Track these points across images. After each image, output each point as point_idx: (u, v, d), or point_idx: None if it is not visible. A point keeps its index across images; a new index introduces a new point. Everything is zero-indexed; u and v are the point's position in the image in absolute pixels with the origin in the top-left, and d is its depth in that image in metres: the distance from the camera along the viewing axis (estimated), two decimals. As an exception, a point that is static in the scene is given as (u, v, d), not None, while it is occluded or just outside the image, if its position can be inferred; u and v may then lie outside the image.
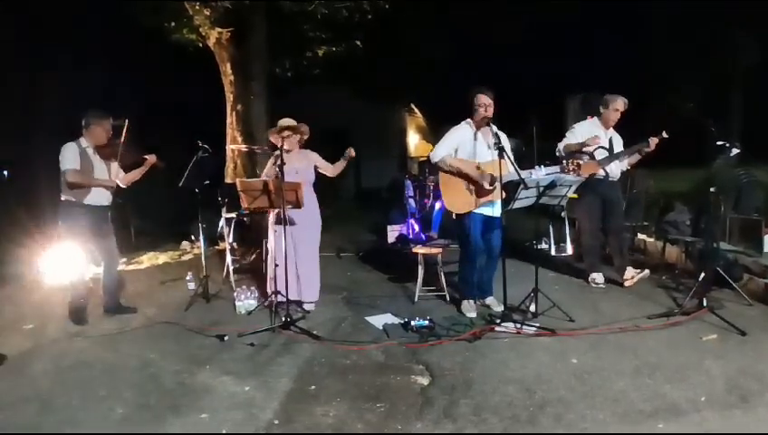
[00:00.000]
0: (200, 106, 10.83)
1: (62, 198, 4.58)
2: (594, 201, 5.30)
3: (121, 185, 4.91)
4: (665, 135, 5.03)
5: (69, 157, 4.49)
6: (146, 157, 4.86)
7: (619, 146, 5.31)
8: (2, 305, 5.32)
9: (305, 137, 4.99)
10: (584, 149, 5.10)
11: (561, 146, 5.35)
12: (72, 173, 4.45)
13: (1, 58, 10.69)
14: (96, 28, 11.34)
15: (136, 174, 4.94)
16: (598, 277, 5.35)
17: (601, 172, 5.19)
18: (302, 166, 4.85)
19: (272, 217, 4.90)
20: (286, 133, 4.79)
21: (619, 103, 5.23)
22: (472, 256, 4.61)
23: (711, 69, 14.84)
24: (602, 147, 5.20)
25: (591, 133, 5.22)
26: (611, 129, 5.35)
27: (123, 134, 4.65)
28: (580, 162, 4.50)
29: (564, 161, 4.54)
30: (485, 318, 4.45)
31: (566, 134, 5.43)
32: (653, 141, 5.08)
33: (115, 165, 4.77)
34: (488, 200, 4.51)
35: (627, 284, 5.18)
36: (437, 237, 7.60)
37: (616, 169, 5.33)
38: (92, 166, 4.60)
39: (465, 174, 4.47)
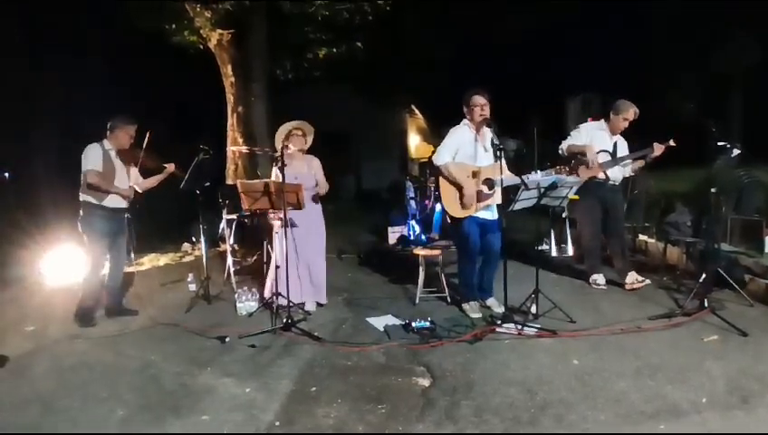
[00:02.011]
0: (201, 108, 10.85)
1: (82, 199, 4.63)
2: (594, 204, 5.27)
3: (138, 190, 5.00)
4: (672, 143, 4.97)
5: (92, 157, 4.56)
6: (165, 165, 4.97)
7: (623, 151, 5.28)
8: (3, 307, 5.32)
9: (309, 143, 4.98)
10: (584, 158, 5.09)
11: (564, 145, 5.32)
12: (93, 174, 4.52)
13: (1, 58, 10.70)
14: (97, 29, 11.35)
15: (153, 181, 5.04)
16: (599, 278, 5.34)
17: (602, 175, 5.16)
18: (304, 172, 4.83)
19: (276, 221, 4.91)
20: (297, 132, 4.80)
21: (630, 114, 5.14)
22: (471, 259, 4.62)
23: (711, 69, 14.83)
24: (605, 150, 5.17)
25: (596, 135, 5.22)
26: (617, 134, 5.29)
27: (146, 142, 4.75)
28: (577, 166, 4.47)
29: (558, 166, 4.60)
30: (486, 319, 4.45)
31: (571, 133, 5.39)
32: (658, 148, 5.03)
33: (134, 170, 4.89)
34: (487, 204, 4.51)
35: (627, 288, 5.16)
36: (438, 239, 7.60)
37: (618, 174, 5.28)
38: (114, 169, 4.68)
39: (460, 187, 4.47)
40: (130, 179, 4.85)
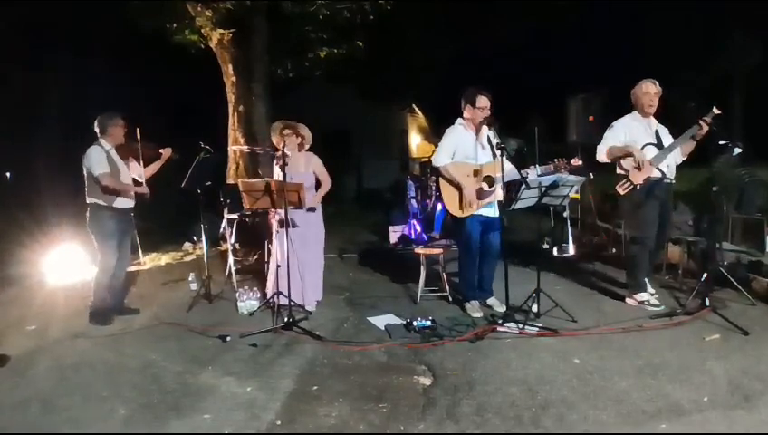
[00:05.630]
0: (202, 107, 10.86)
1: (89, 201, 4.60)
2: (653, 207, 4.53)
3: (140, 180, 4.95)
4: (716, 111, 4.32)
5: (98, 160, 4.51)
6: (161, 151, 4.96)
7: (666, 137, 4.62)
8: (5, 307, 5.32)
9: (307, 142, 4.97)
10: (629, 158, 4.49)
11: (602, 148, 4.64)
12: (106, 177, 4.49)
13: (2, 60, 10.71)
14: (98, 30, 11.37)
15: (153, 168, 5.01)
16: (652, 299, 4.61)
17: (656, 172, 4.50)
18: (301, 171, 4.83)
19: (275, 220, 4.90)
20: (287, 132, 4.79)
21: (648, 85, 4.56)
22: (472, 258, 4.62)
23: (711, 69, 14.84)
24: (650, 143, 4.54)
25: (635, 129, 4.59)
26: (654, 120, 4.67)
27: (139, 134, 4.74)
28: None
29: (556, 159, 4.40)
30: (488, 318, 4.45)
31: (605, 134, 4.71)
32: (704, 121, 4.34)
33: (134, 163, 4.86)
34: (488, 202, 4.51)
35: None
36: (440, 238, 7.60)
37: (672, 167, 4.61)
38: (118, 167, 4.66)
39: (460, 187, 4.48)
40: (132, 172, 4.84)
